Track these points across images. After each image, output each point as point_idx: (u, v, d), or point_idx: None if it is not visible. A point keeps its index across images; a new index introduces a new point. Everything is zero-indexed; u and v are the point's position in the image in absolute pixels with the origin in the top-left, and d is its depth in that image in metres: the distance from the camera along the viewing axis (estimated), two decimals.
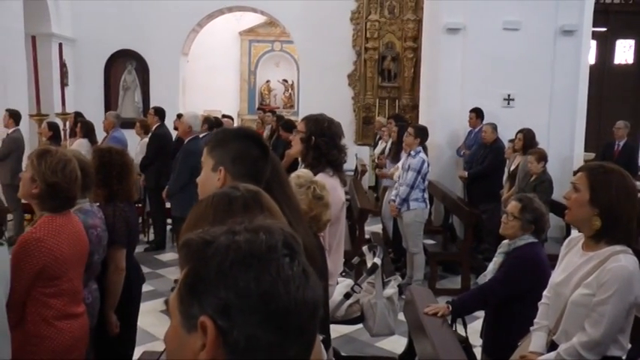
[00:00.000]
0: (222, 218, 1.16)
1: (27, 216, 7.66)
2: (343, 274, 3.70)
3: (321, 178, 2.82)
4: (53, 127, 7.55)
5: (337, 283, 3.41)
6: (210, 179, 1.84)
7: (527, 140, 6.50)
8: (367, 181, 10.30)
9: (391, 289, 3.69)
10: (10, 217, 6.83)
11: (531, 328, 2.59)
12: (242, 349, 0.80)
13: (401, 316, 3.82)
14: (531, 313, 2.66)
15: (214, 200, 1.33)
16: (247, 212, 1.25)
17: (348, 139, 6.88)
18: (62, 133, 7.58)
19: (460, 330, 3.47)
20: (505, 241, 3.36)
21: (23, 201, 6.61)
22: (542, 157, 5.96)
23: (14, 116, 7.65)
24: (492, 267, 3.39)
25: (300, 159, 3.34)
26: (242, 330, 0.79)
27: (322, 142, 3.00)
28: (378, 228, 7.95)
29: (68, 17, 10.82)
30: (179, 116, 7.88)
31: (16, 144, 7.48)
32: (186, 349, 0.83)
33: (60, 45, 8.94)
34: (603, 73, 12.83)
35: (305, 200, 2.50)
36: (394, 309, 3.63)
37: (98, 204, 2.97)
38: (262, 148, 1.87)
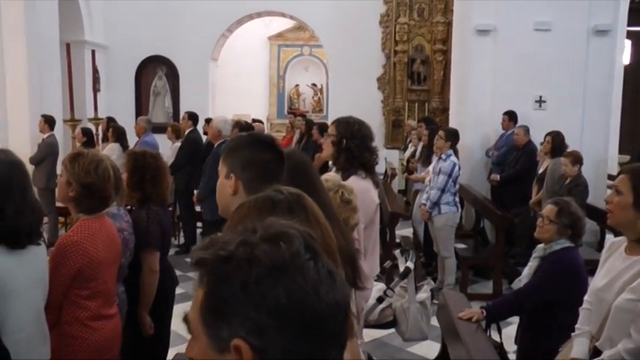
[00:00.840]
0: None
1: (61, 219, 7.81)
2: (375, 278, 3.67)
3: (353, 180, 2.80)
4: (87, 132, 7.70)
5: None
6: (223, 187, 1.84)
7: (556, 143, 6.37)
8: (397, 184, 10.25)
9: (424, 294, 3.65)
10: (45, 220, 6.97)
11: (572, 334, 2.53)
12: None
13: (433, 321, 3.78)
14: (570, 319, 2.60)
15: (257, 202, 1.33)
16: (292, 215, 1.24)
17: (378, 143, 6.88)
18: (95, 137, 7.73)
19: (494, 336, 3.41)
20: (540, 246, 3.29)
21: (57, 204, 6.77)
22: (578, 160, 5.84)
23: (49, 122, 7.81)
24: (527, 272, 3.32)
25: (331, 162, 3.33)
26: (278, 347, 0.76)
27: (353, 145, 2.97)
28: (408, 232, 7.89)
29: (100, 25, 11.03)
30: (208, 121, 7.94)
31: (50, 149, 7.63)
32: None
33: (93, 52, 9.14)
34: (639, 73, 12.54)
35: (333, 204, 2.49)
36: (427, 313, 3.59)
37: (129, 207, 3.01)
38: (274, 151, 1.85)
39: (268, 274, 0.77)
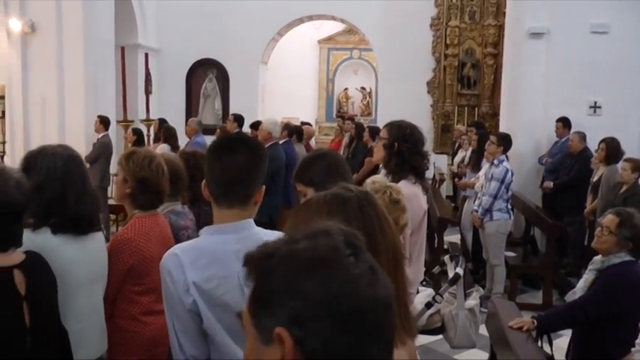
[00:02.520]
0: (337, 218, 1.15)
1: (112, 217, 8.03)
2: (424, 283, 3.63)
3: (402, 185, 2.77)
4: (137, 132, 7.91)
5: (417, 292, 3.34)
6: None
7: (611, 150, 6.14)
8: (445, 190, 10.11)
9: (473, 301, 3.57)
10: None
11: (633, 349, 2.44)
12: (321, 354, 0.79)
13: (482, 330, 3.70)
14: (629, 334, 2.51)
15: (327, 198, 1.33)
16: (363, 213, 1.24)
17: (427, 148, 6.78)
18: (146, 138, 7.92)
19: (545, 347, 3.32)
20: (598, 258, 3.17)
21: (110, 202, 6.96)
22: (638, 167, 5.61)
23: (104, 122, 8.07)
24: (583, 284, 3.20)
25: (381, 165, 3.31)
26: (317, 336, 0.79)
27: (405, 149, 2.95)
28: (455, 238, 7.78)
29: (154, 29, 11.30)
30: (255, 126, 7.94)
31: (105, 148, 7.87)
32: None
33: (146, 55, 9.39)
34: None
35: (381, 205, 2.46)
36: (476, 321, 3.52)
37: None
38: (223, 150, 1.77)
39: (306, 266, 0.81)
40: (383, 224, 1.34)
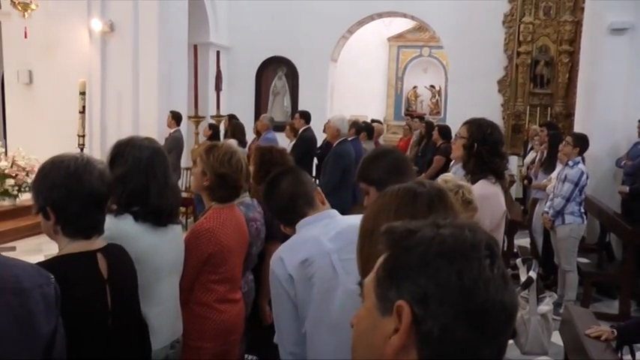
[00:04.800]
0: (405, 212, 1.15)
1: (182, 209, 8.27)
2: None
3: (482, 184, 2.71)
4: (213, 127, 8.14)
5: None
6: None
7: None
8: (514, 192, 9.82)
9: (546, 306, 3.45)
10: None
11: None
12: (435, 339, 0.79)
13: (554, 337, 3.56)
14: None
15: (400, 192, 1.33)
16: (431, 210, 1.22)
17: None
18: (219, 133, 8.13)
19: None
20: None
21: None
22: None
23: (176, 118, 8.32)
24: None
25: (451, 164, 3.25)
26: (437, 321, 0.79)
27: (484, 150, 2.86)
28: (525, 242, 7.53)
29: (225, 27, 11.54)
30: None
31: (176, 142, 8.11)
32: (377, 331, 0.84)
33: (217, 53, 9.60)
34: None
35: (457, 205, 2.41)
36: (548, 327, 3.40)
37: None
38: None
39: (447, 252, 0.81)
40: None
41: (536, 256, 6.72)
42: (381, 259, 0.88)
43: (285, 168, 2.32)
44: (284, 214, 2.11)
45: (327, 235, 1.96)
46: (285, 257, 1.94)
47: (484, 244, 0.83)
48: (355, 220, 2.03)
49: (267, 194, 2.13)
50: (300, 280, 1.89)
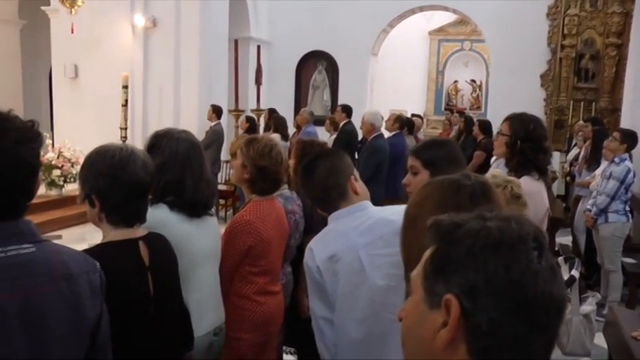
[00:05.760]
0: (448, 203, 1.14)
1: (221, 202, 8.37)
2: None
3: (525, 181, 2.65)
4: (250, 120, 8.21)
5: None
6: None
7: None
8: (556, 189, 9.60)
9: (589, 306, 3.36)
10: None
11: None
12: (483, 333, 0.79)
13: (596, 339, 3.48)
14: None
15: (444, 183, 1.33)
16: (474, 203, 1.21)
17: None
18: (257, 126, 8.19)
19: None
20: None
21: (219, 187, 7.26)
22: None
23: (217, 111, 8.42)
24: None
25: (492, 159, 3.19)
26: (486, 314, 0.79)
27: (527, 148, 2.80)
28: (567, 240, 7.37)
29: (265, 22, 11.61)
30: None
31: (217, 135, 8.22)
32: (425, 324, 0.84)
33: (258, 47, 9.67)
34: None
35: (502, 200, 2.38)
36: (591, 328, 3.31)
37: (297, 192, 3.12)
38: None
39: (494, 245, 0.81)
40: None
41: (578, 254, 6.56)
42: (427, 253, 0.88)
43: (322, 151, 2.31)
44: (318, 201, 2.15)
45: (357, 229, 1.99)
46: (314, 249, 2.00)
47: (531, 236, 0.82)
48: (387, 212, 2.06)
49: (303, 181, 2.14)
50: (327, 273, 1.95)
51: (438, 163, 2.04)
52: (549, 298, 0.80)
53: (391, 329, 1.88)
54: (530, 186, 2.60)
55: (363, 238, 1.96)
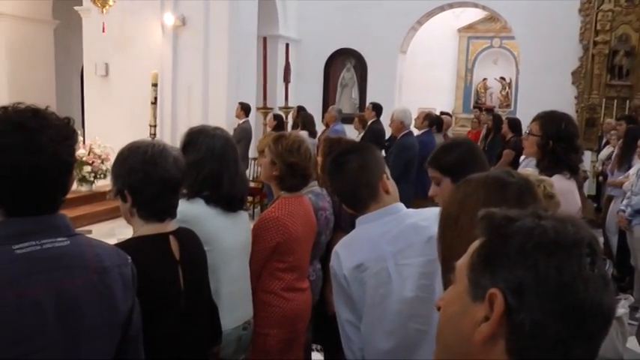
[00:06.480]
0: (493, 201, 1.12)
1: (249, 198, 8.42)
2: None
3: (556, 179, 2.60)
4: (278, 118, 8.24)
5: None
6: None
7: None
8: (587, 189, 9.43)
9: (622, 309, 3.28)
10: None
11: None
12: (526, 333, 0.77)
13: (629, 343, 3.41)
14: None
15: (488, 180, 1.31)
16: (520, 201, 1.20)
17: None
18: (284, 123, 8.22)
19: None
20: None
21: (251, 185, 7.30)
22: None
23: (245, 109, 8.49)
24: None
25: (521, 158, 3.14)
26: (531, 314, 0.77)
27: (559, 148, 2.74)
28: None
29: (294, 20, 11.64)
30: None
31: (245, 133, 8.28)
32: (466, 316, 0.83)
33: (287, 45, 9.70)
34: None
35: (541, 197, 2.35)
36: (623, 332, 3.23)
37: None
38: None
39: (548, 245, 0.79)
40: None
41: (609, 256, 6.44)
42: (476, 244, 0.86)
43: (354, 146, 2.24)
44: (346, 199, 2.08)
45: (386, 236, 1.92)
46: (341, 255, 1.95)
47: (586, 242, 0.80)
48: (417, 217, 2.01)
49: (331, 175, 2.07)
50: (354, 282, 1.91)
51: (456, 168, 1.99)
52: (599, 306, 0.78)
53: (420, 340, 1.86)
54: (561, 184, 2.55)
55: (391, 246, 1.90)
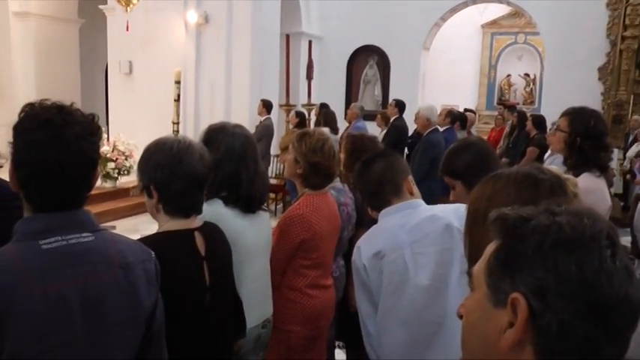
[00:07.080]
0: (526, 197, 1.10)
1: (272, 196, 8.44)
2: None
3: (585, 178, 2.54)
4: (300, 115, 8.25)
5: None
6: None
7: None
8: (614, 187, 9.26)
9: None
10: None
11: None
12: (553, 335, 0.75)
13: None
14: None
15: (518, 176, 1.28)
16: (553, 197, 1.17)
17: None
18: (307, 121, 8.22)
19: None
20: None
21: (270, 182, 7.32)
22: None
23: (267, 106, 8.50)
24: None
25: (546, 155, 3.08)
26: (556, 315, 0.75)
27: (587, 146, 2.66)
28: (625, 241, 7.10)
29: (316, 17, 11.62)
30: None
31: (266, 130, 8.29)
32: (490, 323, 0.81)
33: (309, 42, 9.71)
34: None
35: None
36: None
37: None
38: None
39: (565, 242, 0.76)
40: None
41: (638, 255, 6.32)
42: (492, 247, 0.84)
43: (382, 151, 2.36)
44: (370, 197, 2.15)
45: (405, 226, 1.98)
46: (362, 246, 2.02)
47: (605, 234, 0.77)
48: (436, 210, 2.03)
49: (359, 175, 2.17)
50: (372, 271, 1.96)
51: (465, 172, 2.02)
52: (625, 300, 0.75)
53: (435, 333, 1.87)
54: (590, 182, 2.50)
55: (409, 236, 1.95)
